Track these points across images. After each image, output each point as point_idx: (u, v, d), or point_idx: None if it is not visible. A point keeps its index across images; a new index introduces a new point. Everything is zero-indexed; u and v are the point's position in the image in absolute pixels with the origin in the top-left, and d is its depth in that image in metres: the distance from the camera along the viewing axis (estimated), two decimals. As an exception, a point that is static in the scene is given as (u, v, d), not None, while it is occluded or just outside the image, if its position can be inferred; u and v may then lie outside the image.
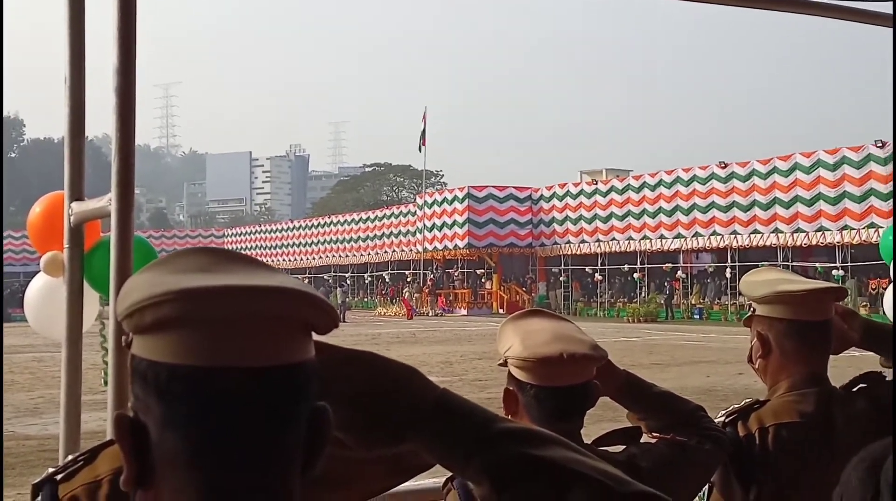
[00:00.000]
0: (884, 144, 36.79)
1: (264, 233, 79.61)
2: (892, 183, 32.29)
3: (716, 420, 2.53)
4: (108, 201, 2.35)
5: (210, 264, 1.00)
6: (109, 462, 1.56)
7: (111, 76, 2.29)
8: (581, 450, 1.14)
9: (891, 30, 3.77)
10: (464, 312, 53.13)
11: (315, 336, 1.03)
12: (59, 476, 1.61)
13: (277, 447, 0.97)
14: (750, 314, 2.75)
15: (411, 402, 1.16)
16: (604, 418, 3.62)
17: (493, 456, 1.12)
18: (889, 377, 2.81)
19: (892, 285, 3.86)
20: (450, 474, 2.10)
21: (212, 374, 0.93)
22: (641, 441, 2.30)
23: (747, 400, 2.69)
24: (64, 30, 2.69)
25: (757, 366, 2.75)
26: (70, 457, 1.66)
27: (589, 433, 2.21)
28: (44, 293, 3.85)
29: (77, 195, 2.70)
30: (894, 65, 3.44)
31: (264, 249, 75.96)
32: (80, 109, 2.68)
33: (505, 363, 2.17)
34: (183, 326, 0.93)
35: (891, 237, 4.42)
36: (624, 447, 2.25)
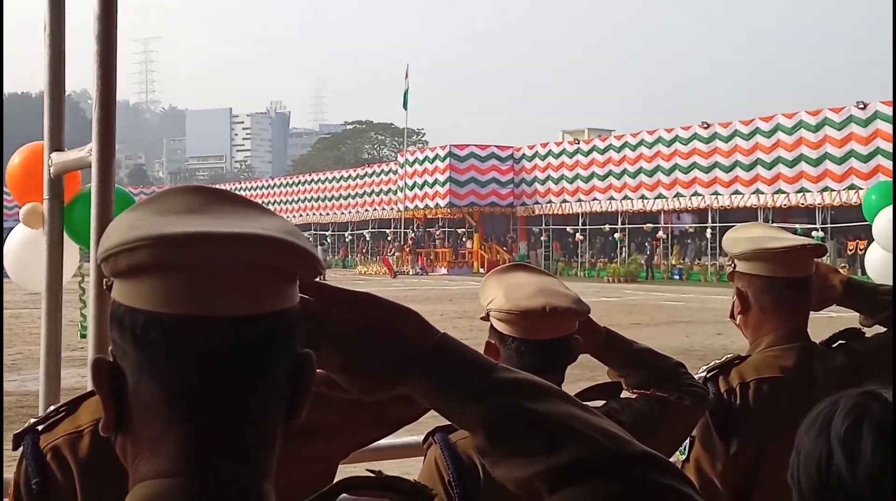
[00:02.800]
0: (865, 106, 36.84)
1: (244, 190, 79.26)
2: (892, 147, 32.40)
3: (697, 376, 2.54)
4: (89, 152, 2.33)
5: (199, 204, 0.97)
6: (91, 412, 1.55)
7: (92, 23, 2.25)
8: (581, 404, 1.12)
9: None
10: (444, 271, 53.15)
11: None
12: (40, 427, 1.60)
13: (256, 395, 0.95)
14: (731, 269, 2.76)
15: (409, 345, 1.13)
16: (582, 377, 3.62)
17: (490, 406, 1.09)
18: (868, 334, 2.83)
19: None
20: (431, 428, 2.10)
21: (188, 322, 0.91)
22: (622, 396, 2.31)
23: (728, 356, 2.71)
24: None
25: (738, 322, 2.77)
26: (52, 408, 1.65)
27: (568, 391, 2.20)
28: (23, 245, 3.81)
29: (57, 146, 2.67)
30: (894, 40, 3.44)
31: (245, 206, 75.56)
32: (60, 58, 2.64)
33: (487, 317, 2.16)
34: (158, 272, 0.91)
35: (873, 196, 4.43)
36: (604, 401, 2.25)
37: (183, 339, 0.91)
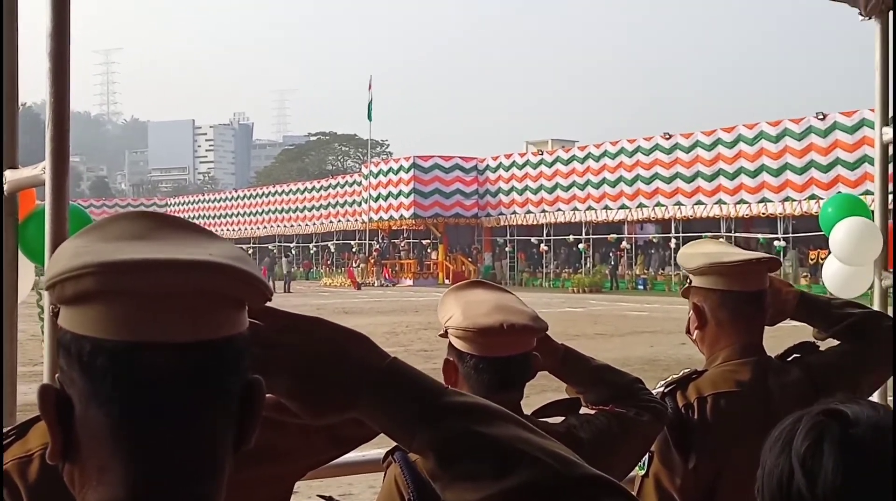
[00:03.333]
0: (824, 117, 37.21)
1: (208, 202, 78.95)
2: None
3: (655, 391, 2.56)
4: (43, 170, 2.30)
5: (146, 230, 0.97)
6: (41, 436, 1.53)
7: (44, 40, 2.23)
8: (532, 427, 1.12)
9: (850, 6, 3.81)
10: (409, 282, 53.12)
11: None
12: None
13: (204, 423, 0.95)
14: (687, 285, 2.78)
15: (359, 369, 1.14)
16: (548, 388, 3.62)
17: (440, 431, 1.10)
18: (822, 347, 2.86)
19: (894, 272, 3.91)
20: (391, 446, 2.09)
21: (135, 349, 0.90)
22: (581, 411, 2.31)
23: (685, 370, 2.72)
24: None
25: (694, 337, 2.79)
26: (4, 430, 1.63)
27: (532, 403, 2.21)
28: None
29: (10, 163, 2.64)
30: (892, 48, 3.48)
31: (208, 218, 75.29)
32: (13, 74, 2.61)
33: (446, 334, 2.16)
34: (104, 300, 0.90)
35: (829, 209, 4.47)
36: (563, 417, 2.26)
37: (129, 366, 0.91)
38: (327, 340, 1.16)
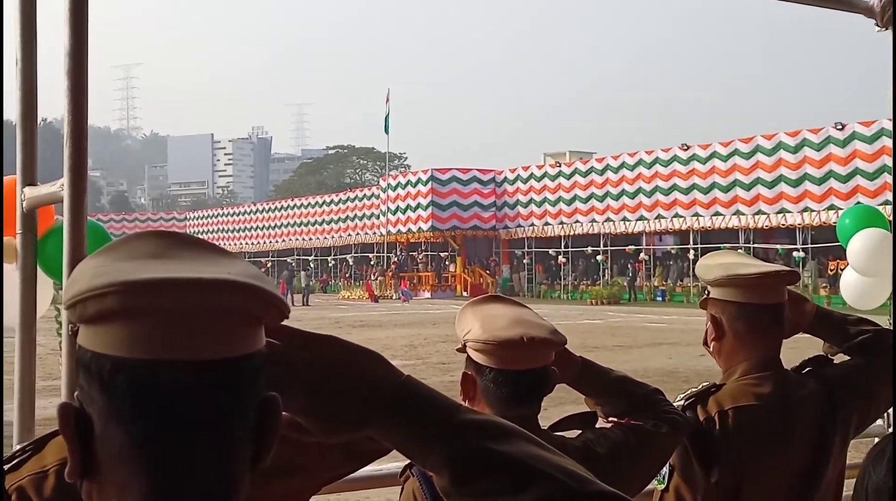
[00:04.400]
0: (843, 127, 37.10)
1: (227, 216, 79.21)
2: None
3: (675, 404, 2.55)
4: (61, 187, 2.32)
5: (162, 249, 0.98)
6: (57, 452, 1.54)
7: (62, 58, 2.25)
8: (545, 445, 1.13)
9: (864, 16, 3.80)
10: (428, 295, 53.13)
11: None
12: (5, 467, 1.59)
13: (223, 440, 0.95)
14: (705, 296, 2.78)
15: (373, 388, 1.15)
16: (566, 400, 3.62)
17: (454, 448, 1.11)
18: (836, 361, 2.86)
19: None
20: (408, 461, 2.09)
21: (155, 368, 0.91)
22: (597, 425, 2.31)
23: (704, 384, 2.72)
24: (15, 10, 2.64)
25: (711, 349, 2.78)
26: (18, 447, 1.64)
27: (550, 416, 2.21)
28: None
29: (29, 180, 2.66)
30: (894, 58, 3.48)
31: (227, 232, 75.61)
32: (32, 91, 2.63)
33: (463, 348, 2.17)
34: (126, 318, 0.91)
35: (847, 220, 4.46)
36: (580, 431, 2.26)
37: (149, 384, 0.92)
38: (342, 358, 1.17)
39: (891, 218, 4.07)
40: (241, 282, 0.93)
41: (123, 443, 0.93)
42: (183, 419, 0.93)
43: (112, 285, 0.90)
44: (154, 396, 0.92)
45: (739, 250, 2.99)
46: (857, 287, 4.21)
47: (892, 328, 2.92)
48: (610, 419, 2.37)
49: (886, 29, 3.84)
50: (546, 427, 2.14)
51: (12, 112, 2.70)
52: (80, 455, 0.95)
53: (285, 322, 1.05)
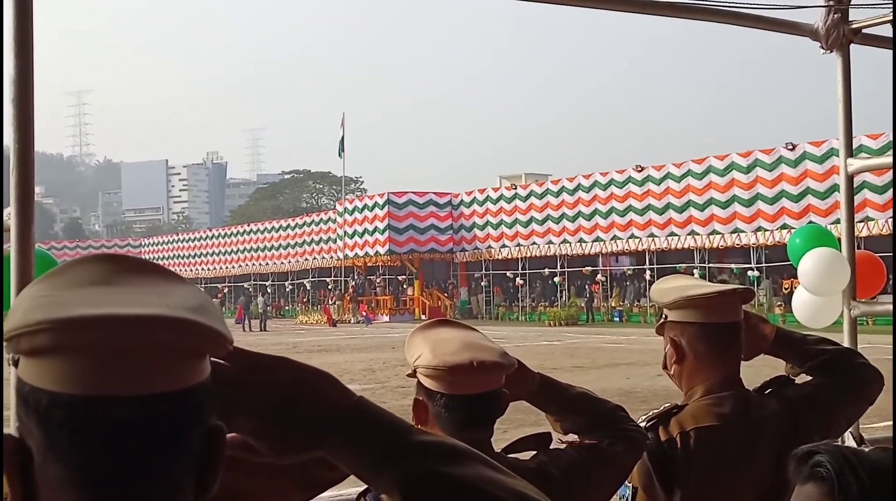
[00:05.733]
0: (794, 147, 37.61)
1: (182, 242, 78.63)
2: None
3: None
4: (8, 215, 2.29)
5: (106, 275, 0.97)
6: (5, 485, 1.52)
7: (6, 86, 2.23)
8: (498, 467, 1.13)
9: (809, 38, 3.87)
10: (386, 318, 53.02)
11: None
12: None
13: (162, 474, 0.94)
14: (662, 321, 2.79)
15: (325, 408, 1.14)
16: (525, 422, 3.62)
17: (405, 470, 1.10)
18: (798, 381, 2.88)
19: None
20: (364, 487, 2.07)
21: (91, 403, 0.90)
22: (551, 446, 2.31)
23: (666, 405, 2.73)
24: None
25: (672, 372, 2.79)
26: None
27: (510, 438, 2.20)
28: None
29: (-24, 209, 2.63)
30: (894, 74, 3.53)
31: (183, 258, 75.06)
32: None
33: (414, 373, 2.16)
34: (60, 354, 0.90)
35: (797, 240, 4.51)
36: (534, 453, 2.25)
37: (86, 419, 0.90)
38: (293, 379, 1.16)
39: (840, 237, 4.12)
40: (177, 317, 0.92)
41: (62, 477, 0.92)
42: (120, 454, 0.92)
43: (44, 323, 0.89)
44: (90, 431, 0.91)
45: (694, 272, 3.01)
46: (808, 306, 4.25)
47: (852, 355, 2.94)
48: (564, 439, 2.37)
49: (831, 51, 3.91)
50: (500, 450, 2.13)
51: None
52: (20, 488, 0.94)
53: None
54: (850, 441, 3.68)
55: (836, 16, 3.81)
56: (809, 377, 2.89)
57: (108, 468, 0.92)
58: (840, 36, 3.83)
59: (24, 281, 2.24)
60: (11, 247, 2.28)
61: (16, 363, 0.95)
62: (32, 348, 0.91)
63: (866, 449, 1.44)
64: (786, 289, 39.02)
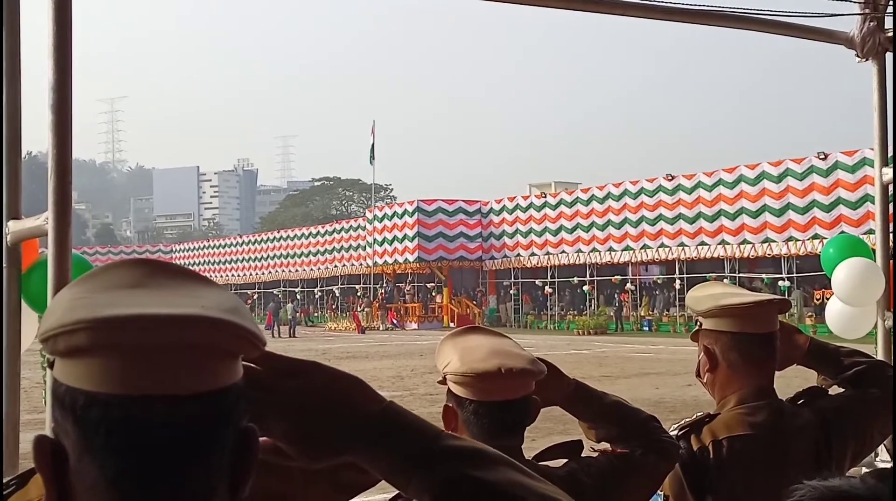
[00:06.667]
0: (826, 156, 37.31)
1: (213, 248, 78.99)
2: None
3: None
4: (45, 220, 2.32)
5: (141, 278, 0.98)
6: (41, 486, 1.53)
7: (47, 93, 2.25)
8: (528, 472, 1.13)
9: (844, 47, 3.85)
10: (415, 326, 53.02)
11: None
12: (-11, 503, 1.58)
13: (197, 474, 0.95)
14: (696, 328, 2.78)
15: (355, 413, 1.15)
16: (554, 431, 3.62)
17: (435, 474, 1.11)
18: (831, 392, 2.86)
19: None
20: (396, 492, 2.08)
21: (127, 403, 0.91)
22: (583, 454, 2.30)
23: (698, 414, 2.71)
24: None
25: (705, 380, 2.77)
26: (4, 481, 1.63)
27: (538, 447, 2.20)
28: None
29: (14, 214, 2.66)
30: (894, 81, 3.52)
31: (213, 264, 75.39)
32: (17, 127, 2.64)
33: (444, 381, 2.16)
34: (97, 354, 0.91)
35: (831, 250, 4.48)
36: (565, 461, 2.25)
37: (122, 419, 0.91)
38: (324, 384, 1.17)
39: (874, 247, 4.09)
40: (212, 317, 0.93)
41: (97, 477, 0.93)
42: (156, 453, 0.93)
43: (81, 322, 0.90)
44: (127, 431, 0.91)
45: (725, 281, 2.99)
46: (842, 317, 4.22)
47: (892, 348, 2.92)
48: (596, 447, 2.36)
49: (866, 60, 3.88)
50: (531, 457, 2.13)
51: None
52: (55, 488, 0.95)
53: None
54: (883, 454, 3.65)
55: (871, 24, 3.78)
56: (842, 389, 2.87)
57: (143, 468, 0.92)
58: (876, 44, 3.80)
59: (62, 285, 2.26)
60: (49, 251, 2.30)
61: (51, 365, 0.96)
62: (69, 347, 0.92)
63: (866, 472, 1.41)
64: (817, 300, 38.68)
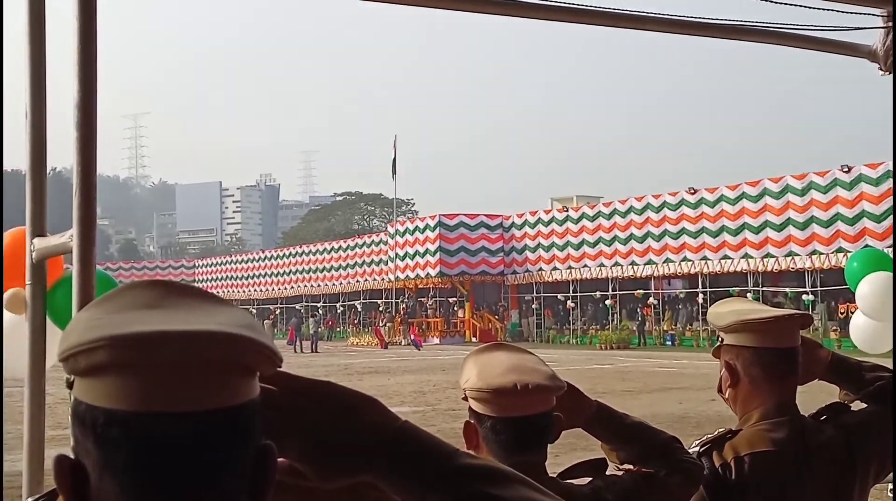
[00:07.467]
0: (849, 169, 37.16)
1: (235, 263, 79.32)
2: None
3: (690, 450, 2.53)
4: (70, 238, 2.33)
5: (156, 298, 0.99)
6: None
7: (71, 111, 2.27)
8: (545, 491, 1.14)
9: (867, 60, 3.84)
10: (437, 340, 53.02)
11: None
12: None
13: (216, 491, 0.96)
14: (718, 344, 2.77)
15: (370, 433, 1.16)
16: (577, 446, 3.61)
17: (450, 493, 1.11)
18: (854, 408, 2.84)
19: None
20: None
21: (147, 420, 0.92)
22: (607, 472, 2.29)
23: (720, 430, 2.70)
24: (24, 64, 2.68)
25: (727, 396, 2.76)
26: (30, 500, 1.64)
27: (562, 462, 2.19)
28: (6, 331, 3.80)
29: (39, 231, 2.68)
30: (894, 94, 3.50)
31: (235, 279, 75.72)
32: (42, 145, 2.66)
33: (466, 397, 2.17)
34: (117, 371, 0.92)
35: (855, 264, 4.45)
36: (590, 479, 2.24)
37: (142, 436, 0.92)
38: (339, 403, 1.18)
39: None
40: (230, 333, 0.94)
41: (118, 495, 0.93)
42: (176, 470, 0.93)
43: (101, 340, 0.91)
44: (147, 448, 0.92)
45: (748, 296, 2.98)
46: (866, 331, 4.19)
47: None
48: (621, 466, 2.35)
49: (890, 73, 3.87)
50: (555, 475, 2.12)
51: (22, 163, 2.72)
52: None
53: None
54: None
55: (894, 37, 3.77)
56: (865, 405, 2.85)
57: (162, 485, 0.93)
58: (899, 58, 3.79)
59: (86, 301, 2.28)
60: (74, 269, 2.32)
61: (70, 385, 0.97)
62: (90, 365, 0.92)
63: None
64: (841, 313, 38.47)
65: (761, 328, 2.64)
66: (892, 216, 29.98)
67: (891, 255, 4.81)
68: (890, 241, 32.24)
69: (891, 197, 33.87)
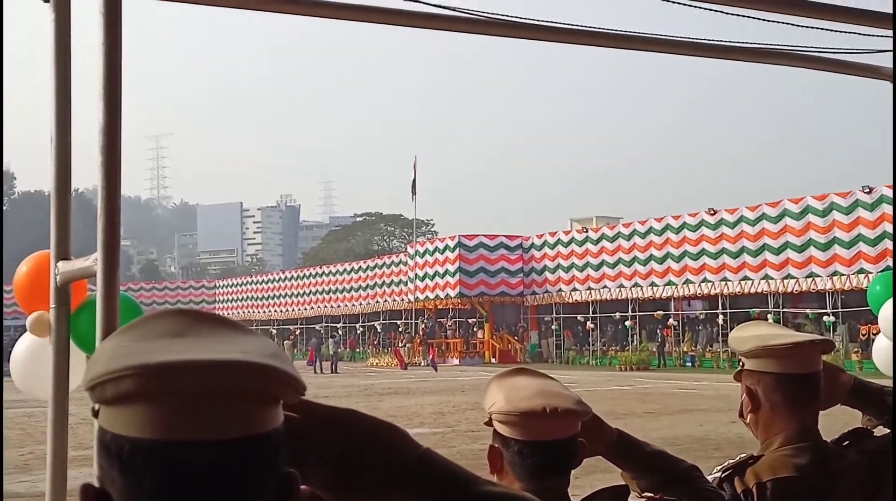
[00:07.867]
0: (871, 190, 37.01)
1: (255, 284, 79.50)
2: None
3: (711, 476, 2.52)
4: (94, 261, 2.35)
5: (181, 327, 1.00)
6: None
7: (97, 135, 2.29)
8: None
9: (888, 82, 3.83)
10: (456, 361, 52.94)
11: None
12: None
13: None
14: (739, 368, 2.76)
15: (392, 461, 1.17)
16: (596, 469, 3.59)
17: None
18: (877, 433, 2.82)
19: None
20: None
21: (173, 449, 0.93)
22: (629, 500, 2.29)
23: (742, 456, 2.69)
24: (50, 88, 2.70)
25: (748, 421, 2.75)
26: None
27: (582, 485, 2.19)
28: (30, 353, 3.83)
29: (63, 255, 2.70)
30: (894, 113, 3.49)
31: (256, 299, 75.90)
32: (66, 168, 2.69)
33: (490, 421, 2.17)
34: (143, 400, 0.93)
35: (877, 287, 4.43)
36: None
37: (168, 465, 0.93)
38: (361, 431, 1.19)
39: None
40: (255, 363, 0.95)
41: None
42: (201, 499, 0.94)
43: (129, 369, 0.92)
44: (172, 477, 0.93)
45: (768, 318, 2.97)
46: (889, 355, 4.17)
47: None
48: (643, 495, 2.35)
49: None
50: (577, 500, 2.12)
51: (46, 184, 2.75)
52: None
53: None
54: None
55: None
56: (887, 430, 2.83)
57: None
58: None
59: (110, 326, 2.30)
60: (98, 292, 2.33)
61: (95, 414, 0.98)
62: (117, 394, 0.93)
63: None
64: (863, 335, 38.22)
65: (783, 354, 2.63)
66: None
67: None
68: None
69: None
